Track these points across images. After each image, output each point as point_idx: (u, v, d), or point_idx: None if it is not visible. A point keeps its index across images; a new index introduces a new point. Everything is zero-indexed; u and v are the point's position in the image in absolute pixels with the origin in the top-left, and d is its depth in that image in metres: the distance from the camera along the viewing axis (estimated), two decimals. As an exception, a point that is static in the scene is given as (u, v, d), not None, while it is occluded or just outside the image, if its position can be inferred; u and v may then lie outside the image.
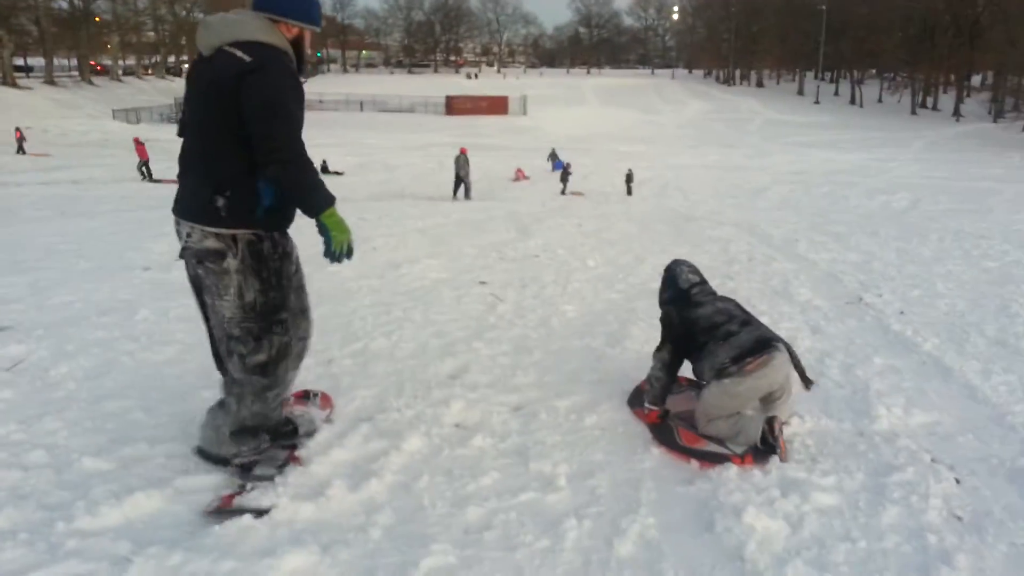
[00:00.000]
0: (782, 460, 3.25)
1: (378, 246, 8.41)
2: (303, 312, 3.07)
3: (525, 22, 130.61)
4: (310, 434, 3.32)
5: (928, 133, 55.17)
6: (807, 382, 3.69)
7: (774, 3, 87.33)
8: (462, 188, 21.56)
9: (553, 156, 32.47)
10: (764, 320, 5.68)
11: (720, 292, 6.54)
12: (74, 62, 66.51)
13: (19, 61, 60.52)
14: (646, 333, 5.12)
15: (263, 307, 2.82)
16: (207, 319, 2.95)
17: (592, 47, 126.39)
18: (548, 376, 4.30)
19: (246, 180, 2.68)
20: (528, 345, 4.90)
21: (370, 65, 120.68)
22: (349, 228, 2.79)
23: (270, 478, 2.94)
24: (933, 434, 3.68)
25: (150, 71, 77.10)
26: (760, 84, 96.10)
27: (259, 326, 2.82)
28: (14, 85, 52.07)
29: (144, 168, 23.37)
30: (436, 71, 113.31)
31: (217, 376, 3.74)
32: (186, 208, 2.78)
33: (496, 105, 70.22)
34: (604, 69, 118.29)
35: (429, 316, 5.52)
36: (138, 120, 50.93)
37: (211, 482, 2.91)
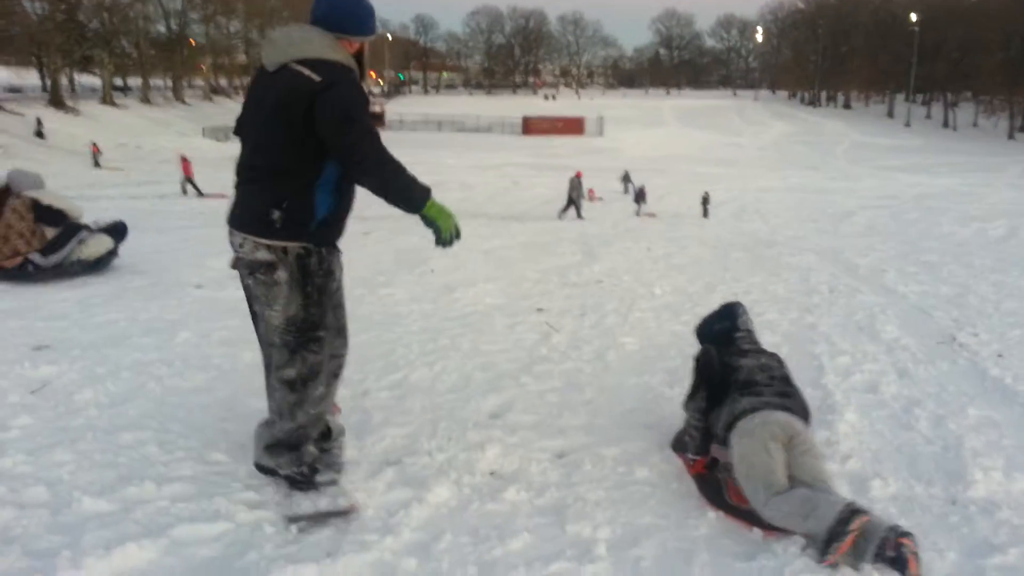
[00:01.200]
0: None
1: (436, 268, 8.18)
2: (340, 331, 3.08)
3: (604, 44, 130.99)
4: (340, 437, 3.31)
5: (1027, 158, 52.38)
6: None
7: (864, 24, 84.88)
8: (572, 209, 22.34)
9: (626, 178, 31.98)
10: (845, 360, 5.22)
11: (798, 327, 6.13)
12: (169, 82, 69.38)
13: (118, 81, 63.48)
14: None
15: (303, 323, 2.84)
16: (258, 328, 2.99)
17: (673, 68, 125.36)
18: (598, 418, 3.93)
19: (304, 194, 2.74)
20: (580, 381, 4.54)
21: (450, 86, 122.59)
22: (451, 213, 2.83)
23: (333, 482, 2.98)
24: (1040, 505, 3.17)
25: (240, 91, 79.85)
26: (847, 106, 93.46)
27: (296, 340, 2.84)
28: (112, 103, 54.66)
29: (188, 184, 24.09)
30: (514, 92, 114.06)
31: (244, 408, 3.57)
32: (240, 219, 2.83)
33: (572, 126, 70.17)
34: (684, 90, 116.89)
35: (478, 345, 5.22)
36: (227, 138, 52.66)
37: (213, 532, 2.65)
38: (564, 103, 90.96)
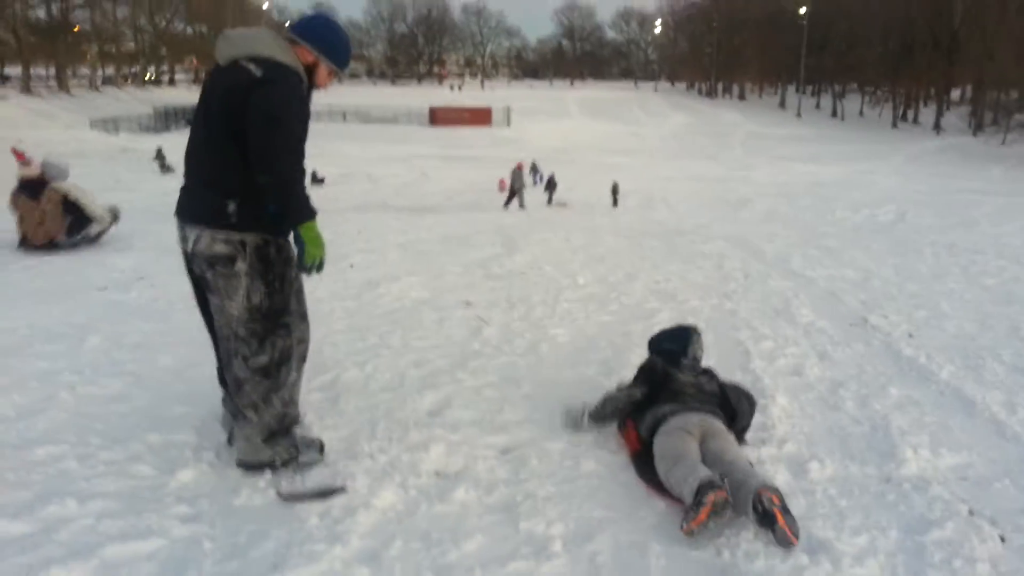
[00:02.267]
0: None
1: (355, 263, 7.96)
2: (303, 315, 3.14)
3: (508, 35, 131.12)
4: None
5: (909, 146, 55.37)
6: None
7: (756, 17, 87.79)
8: (515, 200, 22.71)
9: (534, 169, 32.16)
10: (768, 344, 5.35)
11: (720, 313, 6.27)
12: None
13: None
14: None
15: (268, 310, 2.93)
16: (210, 324, 3.05)
17: (575, 60, 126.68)
18: (538, 412, 3.88)
19: (256, 186, 2.75)
20: (516, 375, 4.48)
21: (353, 76, 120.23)
22: (324, 244, 2.83)
23: (316, 462, 3.10)
24: (965, 479, 3.32)
25: (129, 81, 75.99)
26: (742, 97, 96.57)
27: (263, 327, 2.92)
28: (-10, 94, 51.21)
29: None
30: (419, 82, 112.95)
31: (167, 415, 3.39)
32: (194, 212, 2.87)
33: (479, 116, 69.95)
34: (587, 81, 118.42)
35: (408, 342, 5.09)
36: (117, 130, 50.05)
37: (147, 549, 2.48)
38: (470, 94, 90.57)
